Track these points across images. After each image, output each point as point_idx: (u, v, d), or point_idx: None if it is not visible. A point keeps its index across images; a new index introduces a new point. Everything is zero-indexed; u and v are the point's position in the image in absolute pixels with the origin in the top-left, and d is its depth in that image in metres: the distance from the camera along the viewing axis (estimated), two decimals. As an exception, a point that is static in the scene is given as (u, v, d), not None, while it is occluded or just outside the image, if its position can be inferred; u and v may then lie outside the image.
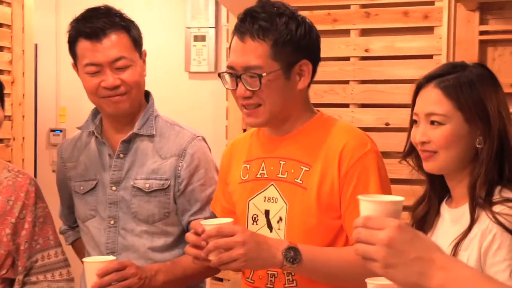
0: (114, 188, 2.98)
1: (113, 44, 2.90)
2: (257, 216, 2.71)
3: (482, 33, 4.95)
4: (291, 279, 2.64)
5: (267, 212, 2.68)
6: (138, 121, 2.99)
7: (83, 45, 2.90)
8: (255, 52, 2.57)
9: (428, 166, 2.38)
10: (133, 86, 2.92)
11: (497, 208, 2.24)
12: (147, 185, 2.94)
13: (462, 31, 4.93)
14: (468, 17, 4.93)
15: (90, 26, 2.90)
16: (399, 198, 1.79)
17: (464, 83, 2.36)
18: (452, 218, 2.41)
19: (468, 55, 4.84)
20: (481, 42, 4.94)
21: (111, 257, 2.72)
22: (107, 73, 2.88)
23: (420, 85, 2.42)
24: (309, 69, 2.63)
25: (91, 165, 3.07)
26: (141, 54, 3.00)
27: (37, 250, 3.04)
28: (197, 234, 2.43)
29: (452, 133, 2.33)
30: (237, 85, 2.59)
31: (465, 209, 2.34)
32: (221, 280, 5.59)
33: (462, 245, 2.27)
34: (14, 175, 3.06)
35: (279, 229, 2.64)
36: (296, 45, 2.60)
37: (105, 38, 2.89)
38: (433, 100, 2.37)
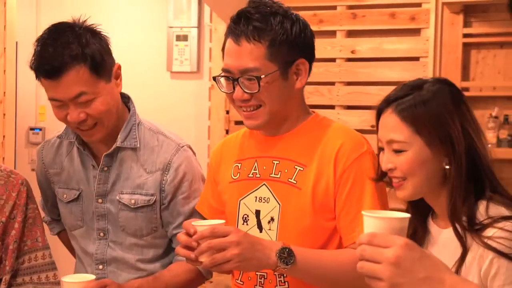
0: (100, 200, 2.97)
1: (72, 81, 2.80)
2: (248, 216, 2.71)
3: (465, 35, 4.98)
4: (283, 281, 2.65)
5: (257, 212, 2.68)
6: (120, 133, 2.95)
7: (44, 82, 2.84)
8: (251, 55, 2.56)
9: (400, 194, 2.36)
10: (101, 116, 2.87)
11: (489, 232, 2.20)
12: (132, 201, 2.93)
13: (446, 33, 4.96)
14: (452, 20, 4.96)
15: (45, 67, 2.82)
16: (406, 215, 1.81)
17: (419, 103, 2.31)
18: (442, 242, 2.39)
19: (452, 58, 4.89)
20: (465, 44, 4.97)
21: (91, 276, 2.66)
22: (71, 108, 2.83)
23: (380, 109, 2.38)
24: (306, 68, 2.63)
25: (74, 174, 3.05)
26: (109, 76, 2.89)
27: (24, 251, 3.03)
28: (189, 235, 2.42)
29: (415, 158, 2.30)
30: (234, 88, 2.58)
31: (449, 232, 2.34)
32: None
33: (460, 272, 2.23)
34: (6, 174, 3.05)
35: (269, 229, 2.65)
36: (292, 44, 2.59)
37: (64, 76, 2.79)
38: (392, 126, 2.33)
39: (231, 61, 2.59)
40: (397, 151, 2.30)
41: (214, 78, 2.68)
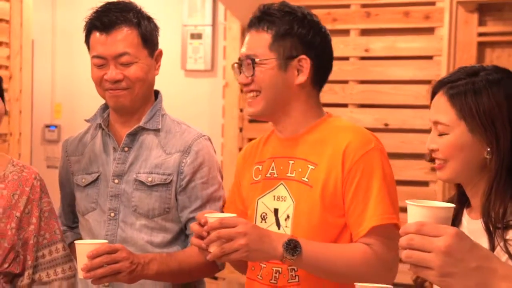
0: (116, 181, 2.99)
1: (120, 39, 2.92)
2: (266, 214, 2.74)
3: (480, 34, 4.97)
4: (294, 275, 2.66)
5: (276, 211, 2.71)
6: (145, 115, 3.00)
7: (94, 37, 2.94)
8: (255, 42, 2.67)
9: (439, 175, 2.37)
10: (135, 82, 2.94)
11: (510, 234, 2.23)
12: (149, 179, 2.95)
13: (460, 32, 4.94)
14: (467, 19, 4.94)
15: (102, 19, 2.93)
16: (451, 205, 1.77)
17: (470, 90, 2.29)
18: (470, 230, 2.32)
19: (467, 57, 4.87)
20: (479, 43, 4.96)
21: (103, 241, 2.74)
22: (111, 67, 2.91)
23: (434, 90, 2.39)
24: (308, 65, 2.66)
25: (95, 158, 3.08)
26: (153, 53, 3.01)
27: (44, 244, 3.03)
28: (201, 225, 2.49)
29: (455, 142, 2.30)
30: (239, 73, 2.70)
31: (480, 223, 2.29)
32: (216, 278, 5.62)
33: None
34: (19, 169, 3.06)
35: (286, 226, 2.67)
36: (297, 40, 2.66)
37: (114, 32, 2.92)
38: (440, 108, 2.35)
39: (242, 48, 2.72)
40: (441, 134, 2.32)
41: (233, 65, 2.78)
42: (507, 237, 2.16)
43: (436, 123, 2.33)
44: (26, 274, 3.00)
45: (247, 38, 2.77)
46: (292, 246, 2.49)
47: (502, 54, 5.02)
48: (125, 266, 2.66)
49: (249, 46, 2.71)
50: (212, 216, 2.51)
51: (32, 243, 2.98)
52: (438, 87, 2.36)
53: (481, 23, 5.01)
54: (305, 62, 2.67)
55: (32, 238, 2.98)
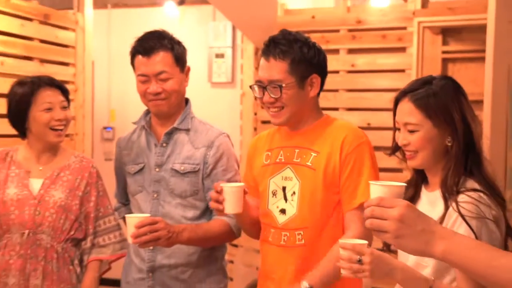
0: (157, 169, 3.02)
1: (158, 61, 2.97)
2: (276, 191, 2.75)
3: (444, 52, 4.99)
4: (300, 238, 2.68)
5: (284, 188, 2.72)
6: (178, 118, 3.05)
7: (138, 59, 2.99)
8: (276, 69, 2.64)
9: (411, 163, 2.40)
10: (171, 93, 2.99)
11: (460, 198, 2.25)
12: (182, 168, 2.99)
13: (428, 50, 4.95)
14: (433, 40, 4.97)
15: (144, 46, 2.98)
16: (403, 184, 1.83)
17: (430, 95, 2.34)
18: (428, 200, 2.41)
19: (433, 70, 4.85)
20: (443, 59, 4.98)
21: (147, 214, 2.79)
22: (152, 82, 2.95)
23: (398, 98, 2.42)
24: (318, 81, 2.70)
25: (140, 152, 3.12)
26: (183, 69, 3.05)
27: (100, 216, 3.17)
28: (217, 192, 2.54)
29: (425, 137, 2.33)
30: (263, 93, 2.67)
31: (437, 194, 2.35)
32: (236, 246, 5.60)
33: (443, 224, 2.22)
34: (80, 160, 3.21)
35: (292, 200, 2.69)
36: (308, 63, 2.66)
37: (153, 55, 2.96)
38: (407, 112, 2.36)
39: (262, 74, 2.69)
40: (411, 131, 2.33)
41: (251, 86, 2.77)
42: (458, 200, 2.21)
43: (406, 124, 2.34)
44: (88, 239, 3.14)
45: (265, 64, 2.73)
46: None
47: (461, 67, 5.04)
48: (164, 234, 2.70)
49: (271, 73, 2.69)
50: (226, 185, 2.58)
51: (92, 216, 3.14)
52: (401, 96, 2.39)
53: (444, 43, 5.02)
54: (316, 79, 2.70)
55: (92, 212, 3.14)
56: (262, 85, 2.69)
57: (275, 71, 2.66)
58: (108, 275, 3.27)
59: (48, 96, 3.08)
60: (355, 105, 5.01)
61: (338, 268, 2.43)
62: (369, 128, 4.81)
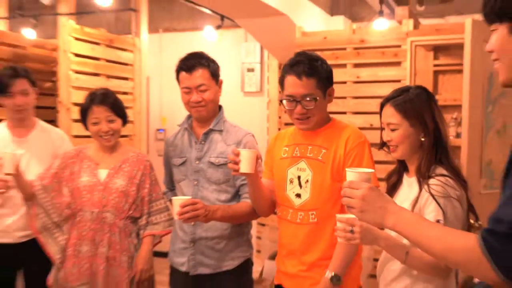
0: (197, 162, 3.06)
1: (198, 76, 3.01)
2: (293, 179, 2.75)
3: (435, 65, 4.95)
4: (313, 217, 2.70)
5: (299, 177, 2.73)
6: (213, 122, 3.09)
7: (182, 75, 3.03)
8: (309, 86, 2.64)
9: (394, 155, 2.46)
10: (208, 102, 3.03)
11: (431, 181, 2.30)
12: (217, 161, 3.02)
13: (421, 64, 4.91)
14: (426, 55, 4.93)
15: (186, 64, 3.03)
16: (370, 170, 1.89)
17: (407, 101, 2.39)
18: (407, 184, 2.46)
19: (426, 80, 4.85)
20: (434, 71, 4.95)
21: (189, 197, 2.85)
22: (194, 93, 3.00)
23: (382, 104, 2.49)
24: (333, 91, 2.73)
25: (183, 148, 3.15)
26: (218, 82, 3.09)
27: (152, 200, 3.24)
28: (234, 154, 2.59)
29: (403, 134, 2.39)
30: (295, 106, 2.65)
31: (414, 179, 2.40)
32: (263, 225, 5.55)
33: (416, 206, 2.31)
34: (137, 155, 3.29)
35: (306, 187, 2.71)
36: (327, 78, 2.68)
37: (194, 72, 3.01)
38: (390, 114, 2.42)
39: (295, 89, 2.65)
40: (393, 130, 2.39)
41: (281, 101, 2.76)
42: (429, 183, 2.28)
43: (388, 124, 2.41)
44: (143, 218, 3.21)
45: (297, 82, 2.67)
46: (336, 279, 2.60)
47: (450, 78, 4.99)
48: (202, 212, 2.75)
49: (304, 89, 2.65)
50: (242, 150, 2.63)
51: (146, 199, 3.21)
52: (384, 102, 2.47)
53: (436, 57, 4.99)
54: (332, 90, 2.72)
55: (146, 196, 3.21)
56: (296, 99, 2.66)
57: (308, 88, 2.65)
58: (158, 247, 3.31)
59: (96, 113, 3.15)
60: (360, 110, 4.98)
61: (350, 254, 2.61)
62: (371, 128, 4.76)
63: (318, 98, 2.65)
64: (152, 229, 3.20)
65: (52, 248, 3.16)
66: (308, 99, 2.64)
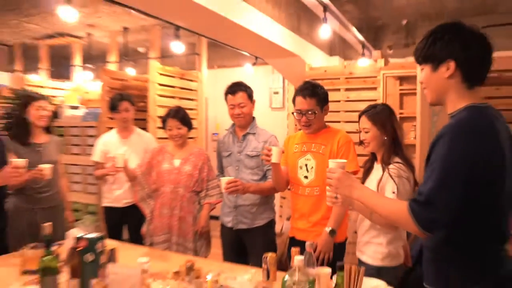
0: (238, 154, 3.03)
1: (239, 97, 3.01)
2: (302, 166, 2.71)
3: (400, 90, 4.76)
4: (317, 190, 2.64)
5: (306, 165, 2.69)
6: (249, 127, 3.07)
7: (229, 96, 3.02)
8: (311, 104, 2.62)
9: (367, 149, 2.43)
10: (246, 114, 3.02)
11: (390, 167, 2.31)
12: (251, 153, 3.00)
13: (391, 89, 4.76)
14: (394, 83, 4.75)
15: (232, 89, 3.02)
16: (343, 161, 1.85)
17: (375, 113, 2.40)
18: (376, 169, 2.43)
19: (394, 100, 4.72)
20: (400, 94, 4.76)
21: (232, 177, 2.82)
22: (236, 108, 3.00)
23: (360, 115, 2.46)
24: (328, 108, 2.70)
25: (229, 145, 3.11)
26: (252, 101, 3.06)
27: (209, 180, 3.20)
28: (268, 150, 2.56)
29: (373, 135, 2.38)
30: (302, 117, 2.65)
31: (380, 165, 2.39)
32: (284, 198, 5.33)
33: (380, 183, 2.30)
34: (199, 150, 3.26)
35: (311, 171, 2.66)
36: (324, 99, 2.66)
37: (237, 94, 3.00)
38: (364, 122, 2.41)
39: (301, 106, 2.64)
40: (366, 132, 2.39)
41: (292, 113, 2.72)
42: (389, 167, 2.29)
43: (363, 128, 2.41)
44: (203, 192, 3.19)
45: (303, 101, 2.63)
46: (333, 233, 2.56)
47: (410, 98, 4.68)
48: (240, 187, 2.77)
49: (308, 106, 2.62)
50: (273, 147, 2.57)
51: (205, 179, 3.19)
52: (361, 114, 2.46)
53: (401, 84, 4.78)
54: (327, 107, 2.68)
55: (205, 177, 3.18)
56: (302, 113, 2.63)
57: (311, 105, 2.63)
58: (212, 212, 3.27)
59: (170, 122, 3.15)
60: (349, 119, 4.86)
61: (341, 215, 2.58)
62: (357, 132, 4.48)
63: (316, 112, 2.63)
64: (209, 199, 3.17)
65: (146, 210, 3.16)
66: (310, 112, 2.62)
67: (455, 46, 1.47)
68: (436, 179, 1.39)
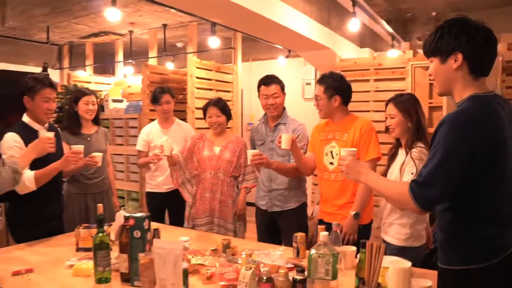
0: (271, 143, 3.05)
1: (273, 88, 3.03)
2: (327, 153, 2.73)
3: (430, 80, 4.63)
4: (340, 176, 2.65)
5: (331, 152, 2.72)
6: (280, 117, 3.09)
7: (262, 87, 3.05)
8: (319, 90, 2.70)
9: (392, 135, 2.47)
10: (278, 105, 3.04)
11: (413, 150, 2.34)
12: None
13: (420, 79, 4.71)
14: (423, 73, 4.68)
15: (265, 81, 3.05)
16: (354, 149, 1.89)
17: (402, 101, 2.44)
18: (400, 154, 2.45)
19: (423, 90, 4.66)
20: (430, 84, 4.68)
21: (257, 150, 2.85)
22: (270, 99, 3.02)
23: (387, 103, 2.49)
24: (337, 100, 2.69)
25: (262, 135, 3.14)
26: (283, 92, 3.08)
27: (246, 165, 3.13)
28: (279, 138, 2.62)
29: (398, 121, 2.42)
30: (315, 101, 2.73)
31: (404, 150, 2.42)
32: (316, 184, 5.34)
33: (403, 166, 2.33)
34: (236, 138, 3.26)
35: (336, 158, 2.68)
36: (332, 88, 2.68)
37: (271, 85, 3.03)
38: (390, 109, 2.46)
39: (316, 91, 2.74)
40: (392, 118, 2.43)
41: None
42: (412, 151, 2.32)
43: (389, 115, 2.44)
44: (241, 176, 3.18)
45: (317, 86, 2.74)
46: (357, 216, 2.59)
47: None
48: (264, 161, 2.77)
49: (317, 92, 2.72)
50: (283, 135, 2.62)
51: (242, 165, 3.17)
52: (388, 101, 2.49)
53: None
54: (337, 98, 2.69)
55: (242, 163, 3.17)
56: (317, 98, 2.73)
57: (319, 91, 2.71)
58: (247, 199, 3.28)
59: (210, 110, 3.17)
60: (378, 109, 4.80)
61: (365, 199, 2.62)
62: (385, 120, 4.56)
63: (320, 99, 2.69)
64: (246, 183, 3.18)
65: (186, 195, 3.18)
66: (318, 98, 2.71)
67: (462, 39, 1.52)
68: (434, 163, 1.45)
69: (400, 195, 1.57)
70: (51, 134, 2.51)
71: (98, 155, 3.02)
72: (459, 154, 1.42)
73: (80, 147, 2.69)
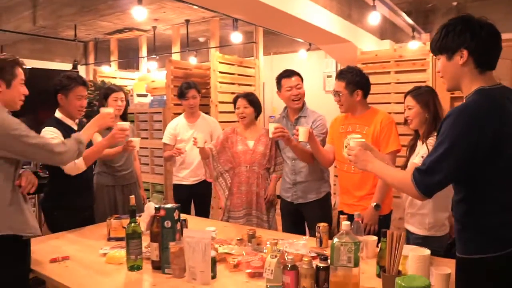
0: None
1: (295, 80, 3.03)
2: (346, 146, 2.78)
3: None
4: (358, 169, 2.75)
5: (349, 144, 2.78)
6: (301, 111, 3.09)
7: (284, 79, 3.04)
8: (340, 86, 2.73)
9: (410, 126, 2.49)
10: (302, 95, 3.04)
11: (429, 139, 2.36)
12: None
13: None
14: None
15: (287, 73, 3.05)
16: (362, 140, 1.94)
17: (420, 94, 2.45)
18: (419, 144, 2.46)
19: (442, 82, 4.64)
20: None
21: (278, 124, 2.78)
22: (293, 90, 3.01)
23: (406, 95, 2.51)
24: (359, 94, 2.72)
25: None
26: (303, 83, 3.07)
27: (277, 156, 3.20)
28: (296, 130, 2.61)
29: (415, 112, 2.44)
30: (335, 97, 2.75)
31: (422, 140, 2.42)
32: (336, 176, 5.43)
33: (421, 154, 2.33)
34: (266, 131, 3.16)
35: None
36: (353, 83, 2.70)
37: (292, 77, 3.03)
38: (409, 100, 2.47)
39: (335, 87, 2.76)
40: (410, 109, 2.45)
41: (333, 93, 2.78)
42: (428, 140, 2.35)
43: (408, 106, 2.46)
44: (272, 167, 3.20)
45: (336, 82, 2.76)
46: (377, 207, 2.61)
47: None
48: (286, 134, 2.76)
49: (338, 87, 2.73)
50: (300, 127, 2.63)
51: (273, 157, 3.19)
52: (407, 94, 2.51)
53: None
54: (359, 92, 2.71)
55: (273, 155, 3.18)
56: (335, 93, 2.75)
57: (339, 87, 2.73)
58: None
59: (239, 101, 3.18)
60: (399, 101, 4.67)
61: (385, 190, 2.63)
62: (402, 112, 4.51)
63: (342, 94, 2.70)
64: (276, 173, 3.21)
65: (220, 191, 3.18)
66: (340, 94, 2.71)
67: (466, 35, 1.56)
68: (439, 153, 1.50)
69: (403, 182, 1.62)
70: (111, 110, 2.62)
71: (135, 140, 3.07)
72: (463, 145, 1.46)
73: (125, 124, 2.77)
